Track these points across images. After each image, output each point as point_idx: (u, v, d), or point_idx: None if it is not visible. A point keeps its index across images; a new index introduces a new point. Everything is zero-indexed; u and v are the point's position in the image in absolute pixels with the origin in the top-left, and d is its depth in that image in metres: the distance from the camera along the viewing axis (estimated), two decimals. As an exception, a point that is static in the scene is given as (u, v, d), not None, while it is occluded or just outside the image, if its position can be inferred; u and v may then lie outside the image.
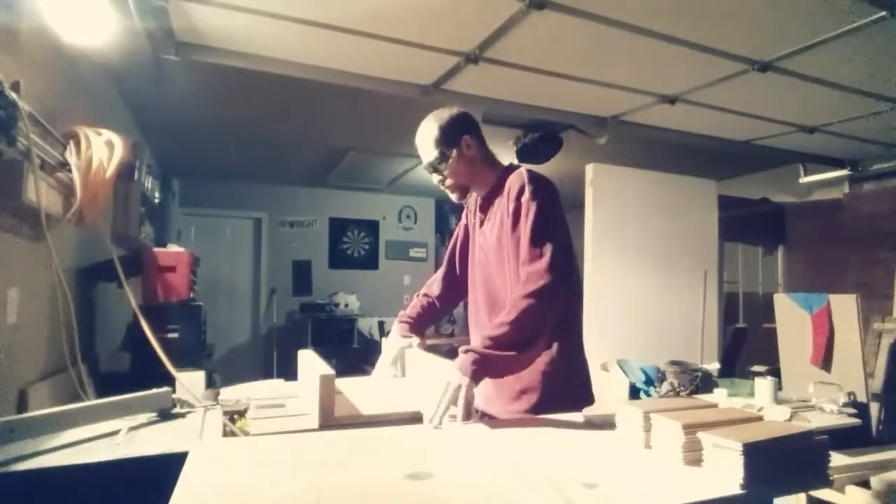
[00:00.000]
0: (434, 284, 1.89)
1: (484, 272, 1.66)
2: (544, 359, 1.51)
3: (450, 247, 1.89)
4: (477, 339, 1.61)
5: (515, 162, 1.90)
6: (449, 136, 1.63)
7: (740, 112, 3.41)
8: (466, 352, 1.37)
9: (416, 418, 1.33)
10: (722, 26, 2.37)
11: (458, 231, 1.86)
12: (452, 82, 2.94)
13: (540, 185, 1.54)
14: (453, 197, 1.72)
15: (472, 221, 1.76)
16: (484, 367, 1.34)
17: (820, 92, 3.02)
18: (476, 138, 1.66)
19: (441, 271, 1.90)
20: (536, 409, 1.48)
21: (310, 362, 1.51)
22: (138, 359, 2.60)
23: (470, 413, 1.33)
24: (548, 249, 1.44)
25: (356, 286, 6.71)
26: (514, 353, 1.37)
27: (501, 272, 1.57)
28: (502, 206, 1.57)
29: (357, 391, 1.59)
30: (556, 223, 1.50)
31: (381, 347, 1.83)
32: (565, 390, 1.52)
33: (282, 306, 6.56)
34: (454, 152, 1.62)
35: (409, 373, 1.76)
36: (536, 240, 1.46)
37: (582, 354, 1.63)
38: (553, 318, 1.43)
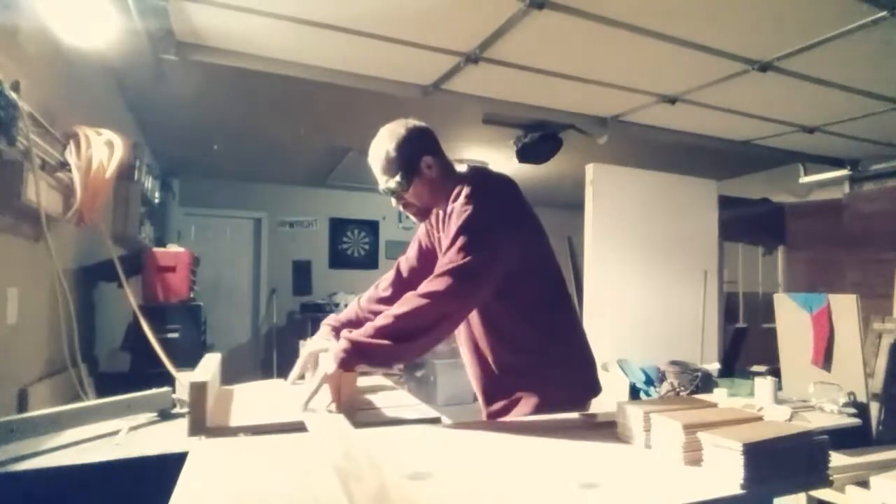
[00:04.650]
0: (387, 290, 1.69)
1: None
2: (536, 364, 1.48)
3: (406, 254, 1.73)
4: (473, 362, 1.58)
5: (515, 160, 1.82)
6: (407, 160, 1.47)
7: (740, 112, 3.41)
8: (344, 338, 1.31)
9: (298, 428, 1.22)
10: (722, 26, 2.37)
11: (419, 238, 1.71)
12: (452, 82, 2.94)
13: (478, 190, 1.42)
14: (415, 220, 1.59)
15: (432, 232, 1.65)
16: (356, 356, 1.27)
17: (820, 92, 3.02)
18: (436, 156, 1.51)
19: (390, 278, 1.71)
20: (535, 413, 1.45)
21: (204, 366, 1.42)
22: (138, 359, 2.59)
23: (339, 399, 1.26)
24: (464, 256, 1.33)
25: (356, 286, 6.69)
26: (390, 343, 1.27)
27: None
28: (449, 210, 1.46)
29: (257, 398, 1.50)
30: (486, 232, 1.38)
31: (300, 351, 1.62)
32: (563, 391, 1.49)
33: (282, 306, 6.56)
34: (413, 176, 1.48)
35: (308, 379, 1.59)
36: (457, 244, 1.35)
37: (578, 350, 1.58)
38: (445, 324, 1.34)
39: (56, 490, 1.03)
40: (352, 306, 1.71)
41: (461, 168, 1.58)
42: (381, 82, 2.94)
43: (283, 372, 1.75)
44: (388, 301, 1.60)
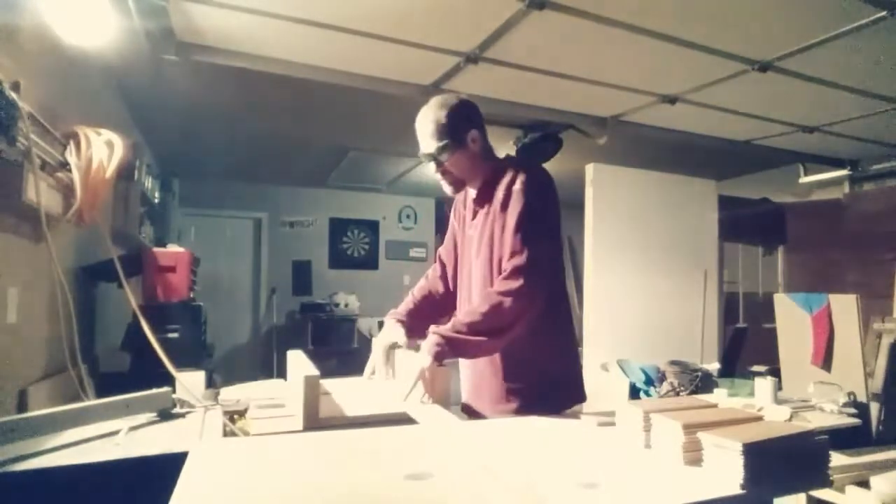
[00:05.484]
0: (436, 282, 1.81)
1: (476, 266, 1.61)
2: (532, 357, 1.50)
3: (444, 244, 1.83)
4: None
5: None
6: (455, 129, 1.54)
7: (740, 112, 3.41)
8: (434, 333, 1.41)
9: (401, 419, 1.32)
10: (722, 26, 2.37)
11: (450, 228, 1.80)
12: (452, 82, 2.94)
13: (535, 180, 1.51)
14: (448, 190, 1.64)
15: (462, 214, 1.72)
16: (448, 349, 1.39)
17: (820, 92, 3.02)
18: (481, 132, 1.60)
19: (437, 270, 1.82)
20: (526, 409, 1.46)
21: (297, 363, 1.50)
22: (138, 359, 2.59)
23: (433, 391, 1.37)
24: (531, 249, 1.43)
25: (356, 286, 6.70)
26: (481, 339, 1.39)
27: (490, 264, 1.54)
28: (497, 199, 1.54)
29: (345, 392, 1.57)
30: (544, 221, 1.49)
31: (372, 346, 1.73)
32: (555, 389, 1.51)
33: (282, 306, 6.55)
34: (458, 145, 1.55)
35: (398, 373, 1.71)
36: (522, 236, 1.44)
37: (573, 351, 1.61)
38: (526, 316, 1.43)
39: (56, 490, 1.03)
40: (409, 299, 1.80)
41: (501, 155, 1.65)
42: (381, 82, 2.94)
43: (284, 372, 1.75)
44: (446, 295, 1.76)
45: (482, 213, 1.60)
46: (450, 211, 1.82)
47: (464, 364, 1.65)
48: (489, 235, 1.55)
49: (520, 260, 1.42)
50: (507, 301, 1.40)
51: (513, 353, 1.50)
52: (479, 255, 1.59)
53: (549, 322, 1.53)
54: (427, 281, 1.83)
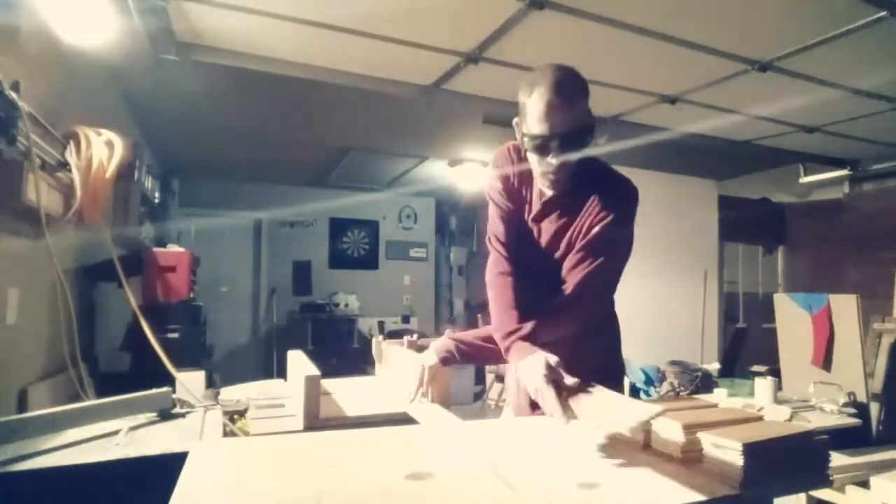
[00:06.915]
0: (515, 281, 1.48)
1: (553, 260, 1.42)
2: (594, 348, 1.42)
3: (505, 232, 1.48)
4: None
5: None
6: (592, 127, 1.35)
7: (740, 112, 3.41)
8: (450, 339, 1.42)
9: (401, 419, 1.33)
10: (722, 26, 2.37)
11: (506, 212, 1.49)
12: (452, 82, 2.94)
13: (632, 210, 1.41)
14: (549, 185, 1.40)
15: (520, 200, 1.50)
16: (458, 357, 1.39)
17: (820, 92, 3.02)
18: None
19: (505, 266, 1.44)
20: None
21: (297, 363, 1.51)
22: (138, 359, 2.59)
23: (435, 393, 1.38)
24: (592, 280, 1.33)
25: (356, 286, 6.70)
26: (494, 347, 1.35)
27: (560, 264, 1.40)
28: (590, 210, 1.39)
29: (345, 392, 1.58)
30: (623, 256, 1.40)
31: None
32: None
33: (282, 306, 6.55)
34: (585, 143, 1.35)
35: (396, 374, 1.72)
36: (592, 267, 1.33)
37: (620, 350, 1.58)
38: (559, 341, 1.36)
39: (56, 490, 1.03)
40: (512, 315, 1.51)
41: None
42: (381, 82, 2.94)
43: (284, 372, 1.76)
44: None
45: (560, 213, 1.44)
46: (450, 212, 1.78)
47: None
48: (569, 239, 1.40)
49: (574, 293, 1.33)
50: (542, 332, 1.31)
51: (590, 350, 1.39)
52: (554, 254, 1.42)
53: (612, 323, 1.53)
54: (511, 291, 1.38)
